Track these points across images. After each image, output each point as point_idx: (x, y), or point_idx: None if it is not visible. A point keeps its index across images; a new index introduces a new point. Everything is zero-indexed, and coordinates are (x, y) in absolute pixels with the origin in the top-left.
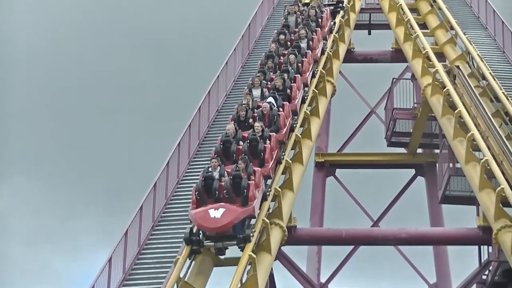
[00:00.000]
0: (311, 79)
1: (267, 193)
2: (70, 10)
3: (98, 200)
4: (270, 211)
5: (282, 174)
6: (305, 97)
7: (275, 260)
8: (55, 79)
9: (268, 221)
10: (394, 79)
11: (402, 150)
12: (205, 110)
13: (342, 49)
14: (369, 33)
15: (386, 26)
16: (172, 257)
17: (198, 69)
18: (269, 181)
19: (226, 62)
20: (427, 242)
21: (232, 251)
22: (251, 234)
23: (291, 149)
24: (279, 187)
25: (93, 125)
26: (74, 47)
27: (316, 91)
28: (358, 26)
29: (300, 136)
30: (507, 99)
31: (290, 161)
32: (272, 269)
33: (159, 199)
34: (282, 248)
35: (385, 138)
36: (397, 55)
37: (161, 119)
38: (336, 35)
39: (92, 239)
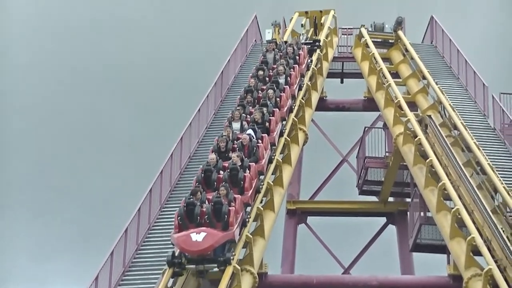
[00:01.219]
0: (288, 114)
1: (247, 220)
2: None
3: (68, 244)
4: (241, 257)
5: (254, 221)
6: (283, 131)
7: None
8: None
9: (239, 267)
10: (366, 128)
11: (373, 198)
12: (177, 157)
13: (315, 97)
14: (342, 82)
15: (359, 75)
16: None
17: (170, 115)
18: (249, 209)
19: (199, 109)
20: None
21: None
22: (232, 258)
23: (263, 197)
24: (250, 234)
25: (66, 162)
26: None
27: (288, 139)
28: (330, 75)
29: (272, 183)
30: (478, 149)
31: (262, 209)
32: None
33: (130, 244)
34: None
35: (356, 186)
36: (369, 104)
37: (132, 165)
38: (309, 83)
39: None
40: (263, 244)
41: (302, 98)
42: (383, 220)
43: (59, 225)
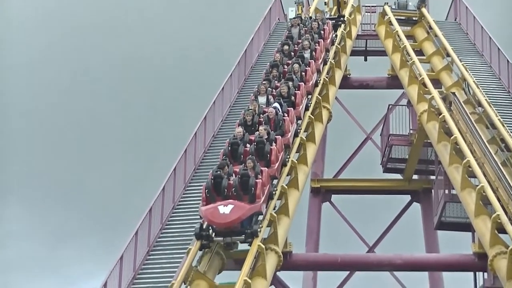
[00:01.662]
0: (314, 88)
1: (273, 192)
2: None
3: (92, 228)
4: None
5: (278, 199)
6: (309, 105)
7: (270, 286)
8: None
9: (263, 246)
10: (390, 106)
11: (398, 176)
12: (201, 136)
13: (338, 75)
14: (365, 59)
15: (382, 53)
16: (167, 281)
17: (194, 94)
18: (275, 181)
19: (222, 88)
20: (423, 268)
21: (226, 276)
22: (259, 230)
23: (287, 175)
24: (275, 213)
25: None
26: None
27: (312, 117)
28: (354, 52)
29: (296, 161)
30: (503, 125)
31: (286, 187)
32: None
33: (155, 223)
34: (278, 273)
35: (381, 164)
36: (393, 82)
37: (157, 145)
38: (333, 61)
39: (86, 267)
40: (288, 223)
41: (326, 76)
42: (407, 198)
43: (83, 207)
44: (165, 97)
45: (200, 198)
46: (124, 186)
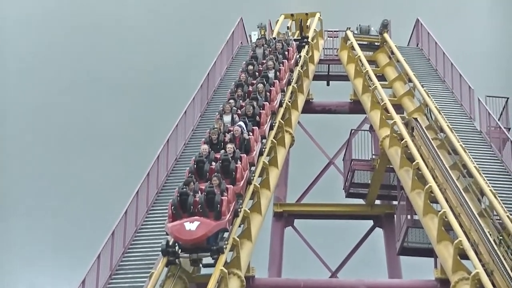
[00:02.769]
0: (278, 107)
1: (239, 210)
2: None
3: (50, 253)
4: (228, 261)
5: (239, 226)
6: (273, 124)
7: None
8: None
9: (226, 271)
10: (353, 130)
11: (360, 201)
12: (163, 159)
13: (301, 100)
14: (328, 84)
15: (345, 78)
16: None
17: (156, 117)
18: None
19: (185, 112)
20: None
21: None
22: (224, 246)
23: (250, 199)
24: (237, 237)
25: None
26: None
27: (275, 141)
28: (316, 77)
29: (259, 186)
30: (465, 151)
31: (249, 211)
32: None
33: (117, 247)
34: None
35: (343, 189)
36: (356, 107)
37: (119, 167)
38: (295, 85)
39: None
40: (250, 247)
41: (289, 100)
42: (370, 223)
43: (45, 228)
44: (129, 117)
45: (163, 222)
46: (93, 206)
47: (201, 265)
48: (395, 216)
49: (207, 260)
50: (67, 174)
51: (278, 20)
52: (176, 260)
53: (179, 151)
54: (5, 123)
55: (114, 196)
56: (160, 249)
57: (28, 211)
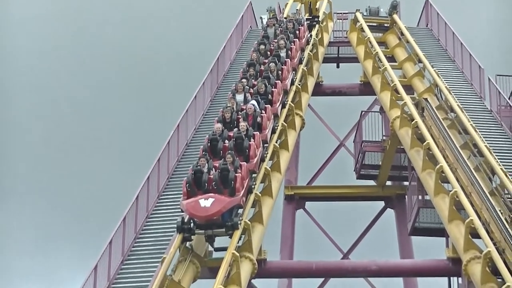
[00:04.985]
0: (290, 86)
1: (253, 186)
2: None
3: (72, 233)
4: (240, 244)
5: (252, 207)
6: (285, 102)
7: None
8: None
9: (238, 254)
10: (363, 112)
11: (371, 182)
12: (174, 145)
13: (311, 82)
14: (338, 66)
15: (355, 60)
16: None
17: (167, 103)
18: (254, 175)
19: (195, 96)
20: (397, 274)
21: (201, 285)
22: (239, 222)
23: (261, 182)
24: (248, 220)
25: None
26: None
27: (285, 124)
28: (326, 60)
29: (270, 169)
30: (475, 131)
31: (260, 195)
32: None
33: (129, 233)
34: (252, 281)
35: (354, 170)
36: (366, 88)
37: (130, 153)
38: (305, 68)
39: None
40: (262, 231)
41: (298, 84)
42: (381, 204)
43: (57, 214)
44: (140, 104)
45: (174, 207)
46: (105, 193)
47: (213, 249)
48: (406, 196)
49: (219, 243)
50: (78, 160)
51: (287, 3)
52: (188, 243)
53: (190, 136)
54: (12, 109)
55: (125, 182)
56: (171, 233)
57: (40, 196)
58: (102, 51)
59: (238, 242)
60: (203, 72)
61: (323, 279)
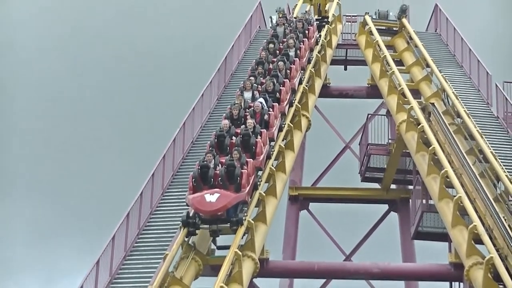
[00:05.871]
0: (298, 85)
1: (258, 183)
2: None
3: (74, 227)
4: (243, 243)
5: (256, 207)
6: (293, 101)
7: None
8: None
9: (240, 253)
10: (369, 115)
11: (376, 185)
12: (179, 142)
13: (318, 84)
14: (345, 69)
15: (362, 62)
16: (143, 287)
17: (174, 100)
18: (260, 173)
19: (202, 95)
20: (399, 277)
21: (202, 283)
22: (244, 218)
23: (265, 182)
24: (252, 219)
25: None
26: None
27: (291, 125)
28: (334, 62)
29: (275, 169)
30: (481, 137)
31: (264, 194)
32: None
33: (132, 228)
34: (254, 280)
35: (359, 173)
36: (373, 91)
37: (136, 150)
38: (313, 70)
39: (65, 267)
40: (265, 230)
41: (306, 85)
42: (385, 207)
43: (59, 209)
44: (147, 102)
45: (178, 204)
46: (110, 189)
47: (215, 247)
48: (410, 200)
49: (222, 242)
50: (83, 155)
51: (296, 4)
52: (191, 241)
53: (196, 134)
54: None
55: (129, 178)
56: (175, 229)
57: (43, 191)
58: (106, 46)
59: (240, 241)
60: (211, 70)
61: (324, 280)
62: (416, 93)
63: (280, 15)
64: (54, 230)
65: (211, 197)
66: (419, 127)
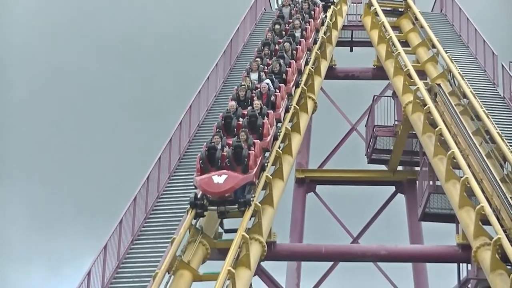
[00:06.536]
0: (304, 66)
1: (265, 164)
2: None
3: (82, 211)
4: (250, 226)
5: (263, 189)
6: (299, 82)
7: (254, 275)
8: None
9: (247, 236)
10: (375, 97)
11: (382, 167)
12: (186, 125)
13: (324, 66)
14: (351, 50)
15: (368, 44)
16: (151, 271)
17: (179, 84)
18: (267, 154)
19: (208, 78)
20: (407, 259)
21: (210, 266)
22: (252, 199)
23: (272, 165)
24: (259, 203)
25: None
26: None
27: (297, 107)
28: (340, 43)
29: (281, 152)
30: (488, 117)
31: (271, 177)
32: (251, 284)
33: (139, 213)
34: (262, 263)
35: (365, 155)
36: (379, 73)
37: (142, 134)
38: (318, 51)
39: (72, 251)
40: (272, 213)
41: (312, 67)
42: (392, 189)
43: (66, 194)
44: (152, 85)
45: (185, 188)
46: (116, 172)
47: (222, 231)
48: (417, 182)
49: (229, 225)
50: (90, 139)
51: None
52: (198, 225)
53: (202, 117)
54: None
55: (136, 162)
56: (182, 213)
57: (49, 176)
58: (111, 29)
59: (248, 224)
60: (217, 53)
61: (332, 262)
62: (422, 74)
63: None
64: (59, 214)
65: (219, 178)
66: (425, 108)
